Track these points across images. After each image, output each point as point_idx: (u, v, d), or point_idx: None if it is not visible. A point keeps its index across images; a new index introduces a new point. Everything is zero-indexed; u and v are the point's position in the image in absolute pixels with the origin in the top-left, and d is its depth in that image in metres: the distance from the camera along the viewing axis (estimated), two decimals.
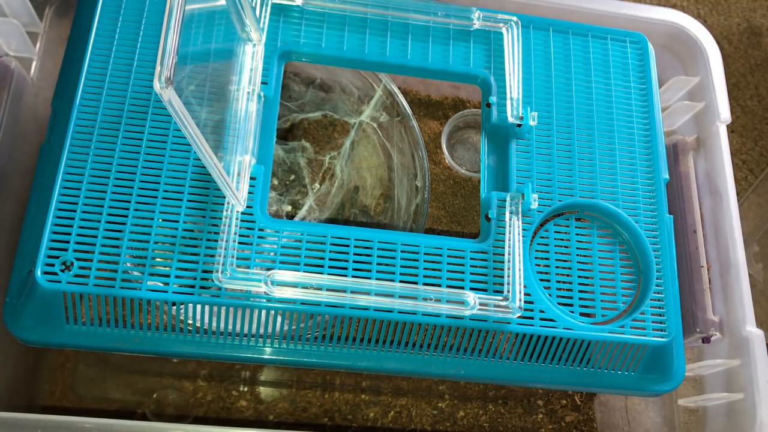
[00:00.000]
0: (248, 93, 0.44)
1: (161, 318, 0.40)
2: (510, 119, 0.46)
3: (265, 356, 0.42)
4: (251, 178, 0.42)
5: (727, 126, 0.54)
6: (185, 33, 0.31)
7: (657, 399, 0.57)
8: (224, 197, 0.41)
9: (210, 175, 0.41)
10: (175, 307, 0.40)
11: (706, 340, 0.50)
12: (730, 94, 0.56)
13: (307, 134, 0.56)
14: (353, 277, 0.41)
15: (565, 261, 0.44)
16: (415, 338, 0.42)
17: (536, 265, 0.44)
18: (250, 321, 0.41)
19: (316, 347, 0.42)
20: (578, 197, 0.45)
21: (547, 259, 0.44)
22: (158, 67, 0.29)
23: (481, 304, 0.41)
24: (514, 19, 0.49)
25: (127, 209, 0.40)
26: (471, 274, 0.42)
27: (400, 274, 0.42)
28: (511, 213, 0.44)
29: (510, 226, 0.43)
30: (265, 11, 0.46)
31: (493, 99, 0.47)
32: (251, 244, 0.41)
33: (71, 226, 0.39)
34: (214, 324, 0.41)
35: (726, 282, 0.50)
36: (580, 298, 0.43)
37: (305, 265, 0.41)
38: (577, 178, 0.46)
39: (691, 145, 0.56)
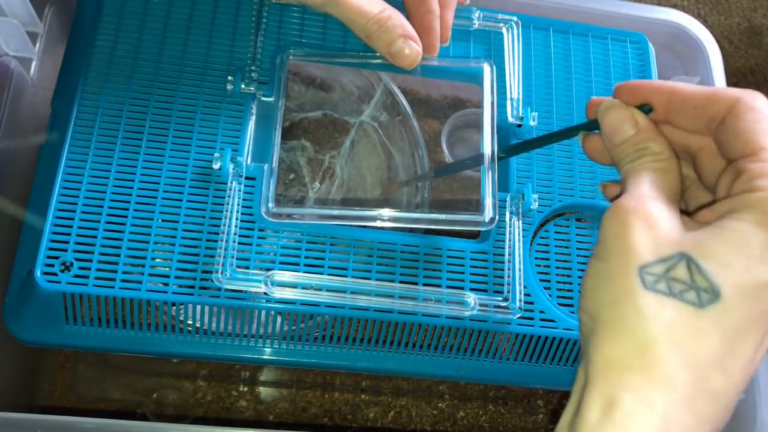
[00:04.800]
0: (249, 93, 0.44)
1: (161, 318, 0.40)
2: (510, 119, 0.46)
3: (265, 357, 0.42)
4: (251, 178, 0.42)
5: None
6: None
7: None
8: (224, 197, 0.41)
9: (210, 175, 0.41)
10: (174, 308, 0.40)
11: None
12: None
13: (306, 133, 0.56)
14: (353, 277, 0.41)
15: (565, 261, 0.44)
16: (415, 339, 0.42)
17: (536, 265, 0.43)
18: (250, 321, 0.41)
19: (316, 348, 0.42)
20: (578, 197, 0.45)
21: (547, 259, 0.44)
22: None
23: (481, 305, 0.41)
24: (515, 19, 0.49)
25: (127, 209, 0.40)
26: (471, 274, 0.42)
27: (400, 274, 0.41)
28: (511, 213, 0.44)
29: (510, 227, 0.43)
30: (266, 11, 0.46)
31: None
32: (251, 244, 0.41)
33: (71, 227, 0.39)
34: (214, 324, 0.41)
35: None
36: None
37: (305, 265, 0.41)
38: (577, 179, 0.46)
39: None
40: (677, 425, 0.25)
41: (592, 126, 0.33)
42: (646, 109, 0.31)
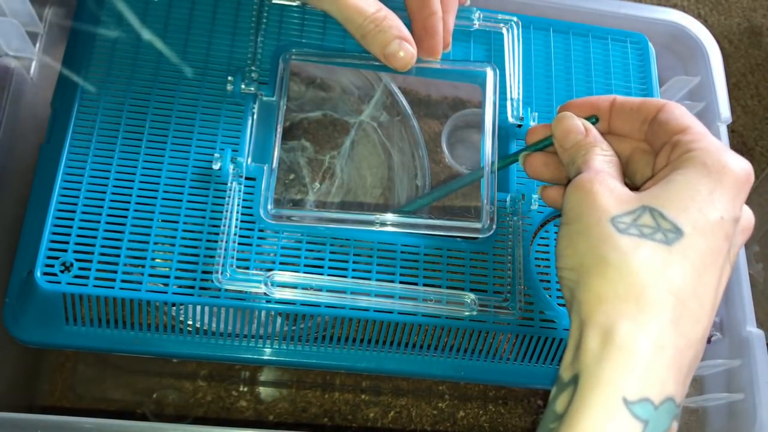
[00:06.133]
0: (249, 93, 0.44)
1: (161, 319, 0.40)
2: (510, 119, 0.46)
3: (265, 357, 0.42)
4: (251, 179, 0.42)
5: (728, 126, 0.54)
6: None
7: None
8: (224, 197, 0.41)
9: (210, 175, 0.41)
10: (174, 308, 0.40)
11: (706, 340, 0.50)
12: (730, 94, 0.56)
13: (306, 134, 0.56)
14: (353, 278, 0.41)
15: None
16: (415, 339, 0.42)
17: (536, 266, 0.43)
18: (250, 322, 0.41)
19: (316, 348, 0.42)
20: None
21: (547, 260, 0.44)
22: None
23: (481, 306, 0.41)
24: (515, 19, 0.49)
25: (127, 209, 0.40)
26: (471, 275, 0.42)
27: (400, 275, 0.41)
28: (511, 214, 0.44)
29: (510, 227, 0.43)
30: (266, 11, 0.46)
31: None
32: (251, 245, 0.41)
33: (71, 227, 0.39)
34: (214, 325, 0.41)
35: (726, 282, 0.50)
36: None
37: (305, 266, 0.41)
38: None
39: None
40: (669, 344, 0.28)
41: (547, 143, 0.39)
42: (593, 120, 0.37)
